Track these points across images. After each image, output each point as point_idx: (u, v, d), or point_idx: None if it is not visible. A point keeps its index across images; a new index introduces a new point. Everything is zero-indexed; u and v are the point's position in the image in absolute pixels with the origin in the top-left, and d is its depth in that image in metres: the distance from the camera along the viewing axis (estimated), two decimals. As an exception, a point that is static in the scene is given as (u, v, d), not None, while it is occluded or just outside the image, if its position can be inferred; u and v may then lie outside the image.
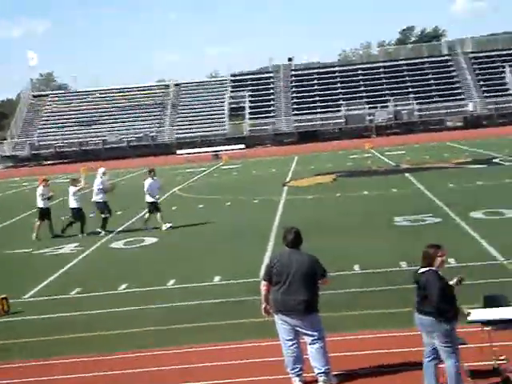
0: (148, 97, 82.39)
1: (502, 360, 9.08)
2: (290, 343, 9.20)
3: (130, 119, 78.93)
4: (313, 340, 9.09)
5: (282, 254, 9.36)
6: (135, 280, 15.88)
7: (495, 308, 9.45)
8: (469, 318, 8.89)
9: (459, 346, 8.80)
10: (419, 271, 8.38)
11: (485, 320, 9.09)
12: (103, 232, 22.67)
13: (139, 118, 78.73)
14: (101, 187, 23.11)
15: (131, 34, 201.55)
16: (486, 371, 9.07)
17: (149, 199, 22.74)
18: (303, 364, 9.23)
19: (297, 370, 9.19)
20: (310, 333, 9.09)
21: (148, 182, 22.81)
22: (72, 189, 22.89)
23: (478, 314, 9.21)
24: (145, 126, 77.26)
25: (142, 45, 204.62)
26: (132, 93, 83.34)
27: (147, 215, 23.15)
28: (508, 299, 9.85)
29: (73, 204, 22.89)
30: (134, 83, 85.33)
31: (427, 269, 8.32)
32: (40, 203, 23.22)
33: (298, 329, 9.14)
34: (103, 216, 22.96)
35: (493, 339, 9.21)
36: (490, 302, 9.73)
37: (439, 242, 8.54)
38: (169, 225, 22.60)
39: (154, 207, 22.83)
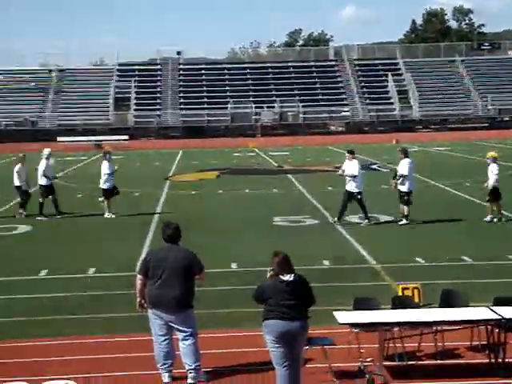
0: (29, 81, 79.53)
1: (368, 362, 9.35)
2: (163, 338, 9.14)
3: (10, 103, 76.03)
4: (185, 336, 9.06)
5: (160, 249, 9.33)
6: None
7: (364, 311, 9.71)
8: (339, 320, 9.11)
9: (328, 347, 9.02)
10: (290, 278, 8.45)
11: (353, 322, 9.32)
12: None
13: (19, 102, 76.00)
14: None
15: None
16: (352, 372, 9.31)
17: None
18: (174, 360, 9.18)
19: (167, 365, 9.14)
20: (182, 329, 9.05)
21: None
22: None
23: (348, 316, 9.43)
24: (25, 110, 74.58)
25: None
26: (13, 75, 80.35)
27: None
28: (377, 302, 10.15)
29: None
30: (15, 66, 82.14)
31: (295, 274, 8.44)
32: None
33: (171, 324, 9.09)
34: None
35: (360, 341, 9.47)
36: (360, 304, 10.00)
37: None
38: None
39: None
